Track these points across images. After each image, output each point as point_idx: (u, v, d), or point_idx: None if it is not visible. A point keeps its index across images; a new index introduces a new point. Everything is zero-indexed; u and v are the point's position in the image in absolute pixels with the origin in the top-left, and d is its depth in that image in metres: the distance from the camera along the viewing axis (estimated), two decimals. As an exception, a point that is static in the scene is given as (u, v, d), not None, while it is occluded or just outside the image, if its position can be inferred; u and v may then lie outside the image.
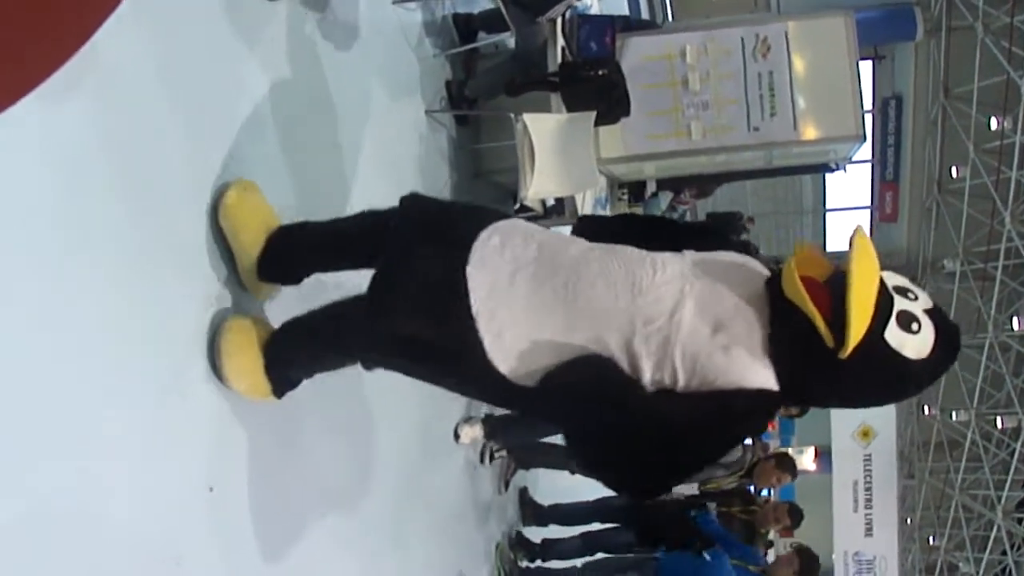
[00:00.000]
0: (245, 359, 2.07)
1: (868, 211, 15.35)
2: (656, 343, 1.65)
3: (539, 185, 4.06)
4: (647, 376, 1.66)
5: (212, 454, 2.10)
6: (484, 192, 4.73)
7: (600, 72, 4.49)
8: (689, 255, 1.78)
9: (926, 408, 15.45)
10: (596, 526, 4.83)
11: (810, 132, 5.43)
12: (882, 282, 1.60)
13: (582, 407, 1.69)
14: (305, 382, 2.20)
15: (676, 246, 1.82)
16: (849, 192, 15.43)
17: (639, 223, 2.43)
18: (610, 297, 1.69)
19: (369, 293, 1.86)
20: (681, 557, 4.11)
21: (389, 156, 3.61)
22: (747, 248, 1.97)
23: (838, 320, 1.55)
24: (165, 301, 1.95)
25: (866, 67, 12.98)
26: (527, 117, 4.00)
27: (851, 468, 12.71)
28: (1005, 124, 11.80)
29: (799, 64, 5.33)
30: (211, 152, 2.18)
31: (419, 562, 3.54)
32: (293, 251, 2.19)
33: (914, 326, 1.58)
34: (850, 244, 1.59)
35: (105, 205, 1.77)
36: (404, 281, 1.81)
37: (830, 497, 12.93)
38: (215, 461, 2.11)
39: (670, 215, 8.02)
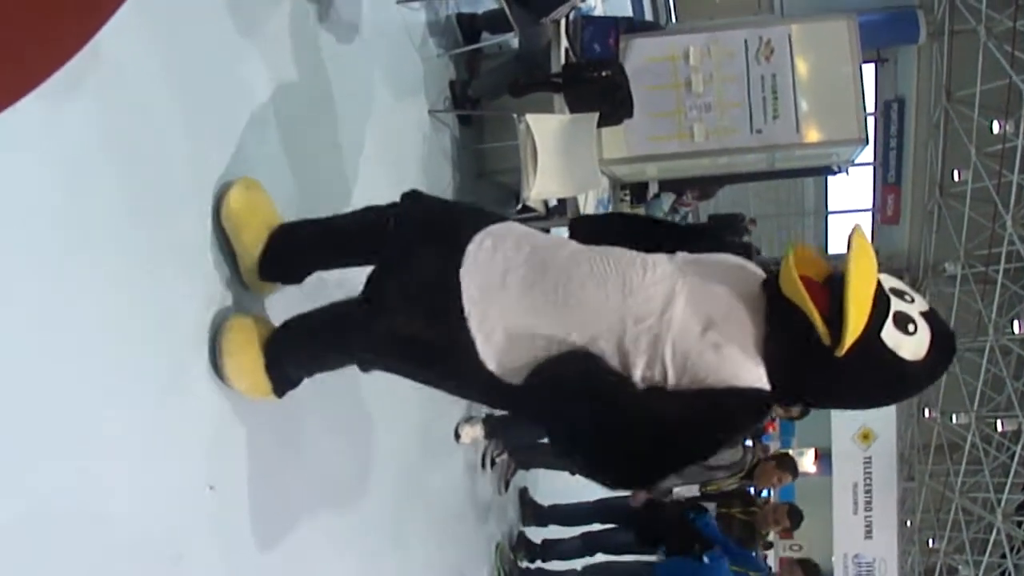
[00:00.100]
0: (246, 358, 2.06)
1: (870, 213, 15.37)
2: (647, 341, 1.64)
3: (541, 186, 4.06)
4: (638, 374, 1.65)
5: (212, 453, 2.09)
6: (487, 192, 4.73)
7: (603, 73, 4.49)
8: (681, 256, 1.78)
9: (926, 411, 15.48)
10: (596, 526, 4.83)
11: (813, 135, 5.42)
12: (879, 283, 1.60)
13: (571, 403, 1.67)
14: (306, 381, 2.19)
15: (670, 247, 1.81)
16: (851, 194, 15.45)
17: (634, 224, 2.43)
18: (600, 297, 1.69)
19: (369, 293, 1.86)
20: (679, 562, 4.11)
21: (392, 156, 3.60)
22: (748, 250, 1.97)
23: (835, 318, 1.55)
24: (166, 301, 1.95)
25: (869, 70, 13.02)
26: (530, 118, 4.00)
27: (851, 470, 12.74)
28: (1007, 128, 11.80)
29: (802, 67, 5.32)
30: (212, 152, 2.18)
31: (419, 562, 3.54)
32: (294, 250, 2.18)
33: (910, 327, 1.58)
34: (848, 243, 1.59)
35: (106, 205, 1.77)
36: (404, 281, 1.82)
37: (830, 499, 12.96)
38: (215, 460, 2.11)
39: (672, 217, 8.02)
